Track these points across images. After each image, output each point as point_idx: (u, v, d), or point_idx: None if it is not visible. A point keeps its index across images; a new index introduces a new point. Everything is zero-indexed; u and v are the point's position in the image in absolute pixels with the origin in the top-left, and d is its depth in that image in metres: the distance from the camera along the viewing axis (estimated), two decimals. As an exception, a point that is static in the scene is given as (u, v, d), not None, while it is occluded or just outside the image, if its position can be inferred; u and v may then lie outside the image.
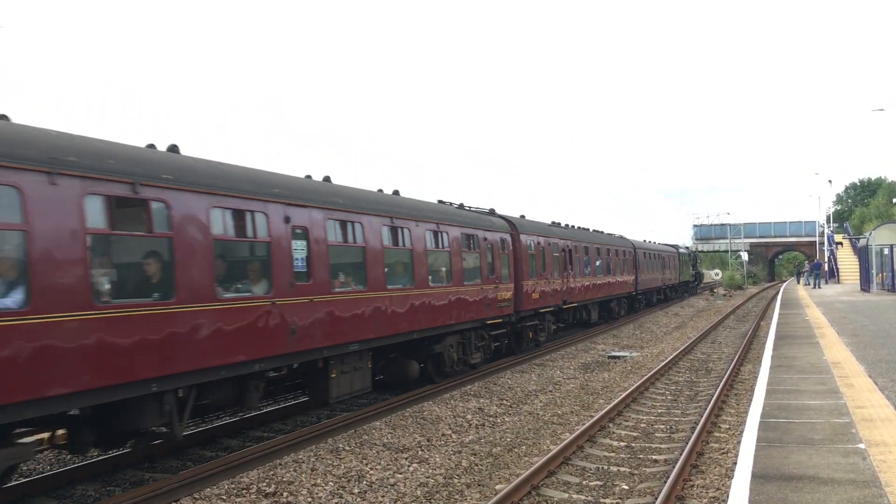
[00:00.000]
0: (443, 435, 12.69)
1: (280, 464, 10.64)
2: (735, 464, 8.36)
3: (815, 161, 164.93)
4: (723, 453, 10.82)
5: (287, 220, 11.37)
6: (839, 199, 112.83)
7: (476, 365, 18.75)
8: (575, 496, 9.30)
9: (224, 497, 9.23)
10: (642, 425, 13.23)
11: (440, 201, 19.32)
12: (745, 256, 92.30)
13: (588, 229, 32.72)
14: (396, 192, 16.08)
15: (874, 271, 44.46)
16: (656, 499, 8.58)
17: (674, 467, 9.79)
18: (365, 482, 9.96)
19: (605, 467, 10.55)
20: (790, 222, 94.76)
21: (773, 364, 14.76)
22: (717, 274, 64.30)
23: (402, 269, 15.07)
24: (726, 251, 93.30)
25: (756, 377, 14.31)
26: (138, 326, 8.66)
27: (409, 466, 10.75)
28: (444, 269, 16.91)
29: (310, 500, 9.24)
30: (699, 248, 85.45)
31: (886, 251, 42.46)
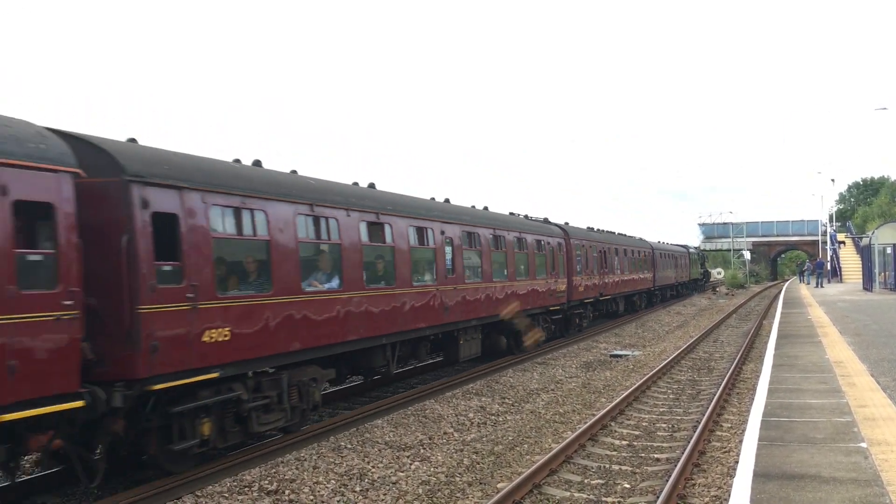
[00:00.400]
0: (445, 433, 12.69)
1: (282, 462, 10.65)
2: (737, 462, 8.36)
3: (818, 160, 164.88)
4: (725, 452, 10.82)
5: (442, 233, 16.83)
6: (842, 198, 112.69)
7: (541, 342, 22.98)
8: (577, 495, 9.30)
9: (226, 495, 9.24)
10: (644, 424, 13.23)
11: (511, 213, 24.12)
12: (747, 255, 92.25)
13: (614, 233, 37.48)
14: (475, 206, 21.23)
15: (877, 270, 44.40)
16: (658, 497, 8.58)
17: (675, 466, 9.79)
18: (367, 480, 9.97)
19: (607, 466, 10.56)
20: (793, 221, 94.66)
21: (776, 363, 14.76)
22: (719, 273, 64.25)
23: (500, 267, 20.42)
24: (728, 250, 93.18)
25: (758, 376, 14.31)
26: (380, 301, 13.86)
27: (410, 465, 10.76)
28: (523, 266, 22.18)
29: (312, 498, 9.25)
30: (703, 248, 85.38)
31: (889, 250, 42.41)
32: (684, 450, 10.68)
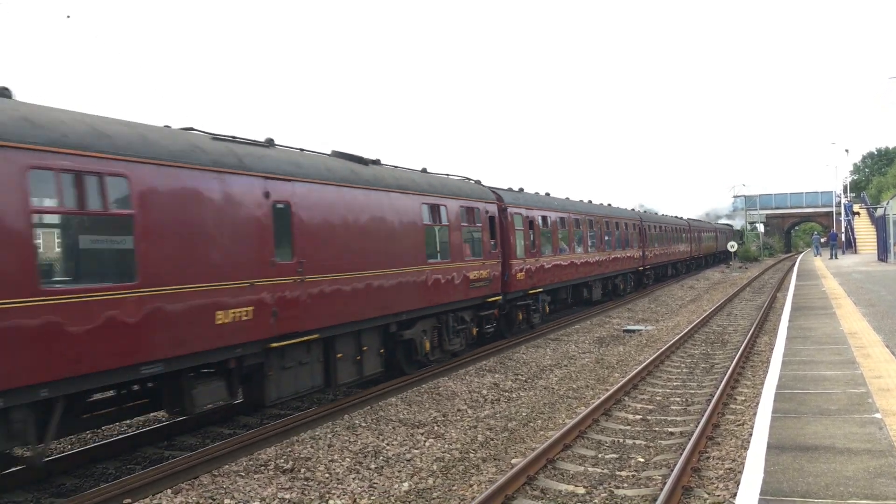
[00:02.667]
0: (458, 410, 12.74)
1: (297, 440, 10.73)
2: (751, 435, 8.36)
3: (832, 130, 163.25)
4: (739, 425, 10.81)
5: (544, 219, 22.96)
6: (856, 169, 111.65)
7: (622, 294, 32.97)
8: (591, 469, 9.33)
9: (242, 474, 9.32)
10: (658, 398, 13.24)
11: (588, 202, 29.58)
12: (760, 228, 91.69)
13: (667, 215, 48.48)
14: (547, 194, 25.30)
15: (892, 241, 44.03)
16: (672, 471, 8.59)
17: (689, 439, 9.79)
18: (381, 457, 10.04)
19: (621, 440, 10.58)
20: (806, 193, 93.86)
21: (790, 335, 14.71)
22: (732, 246, 64.10)
23: (578, 242, 26.41)
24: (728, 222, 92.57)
25: (772, 349, 14.27)
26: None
27: (425, 442, 10.82)
28: (606, 237, 29.82)
29: (327, 475, 9.32)
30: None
31: (904, 220, 42.02)
32: (698, 423, 10.68)
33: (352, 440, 10.81)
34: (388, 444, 10.64)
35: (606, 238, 30.27)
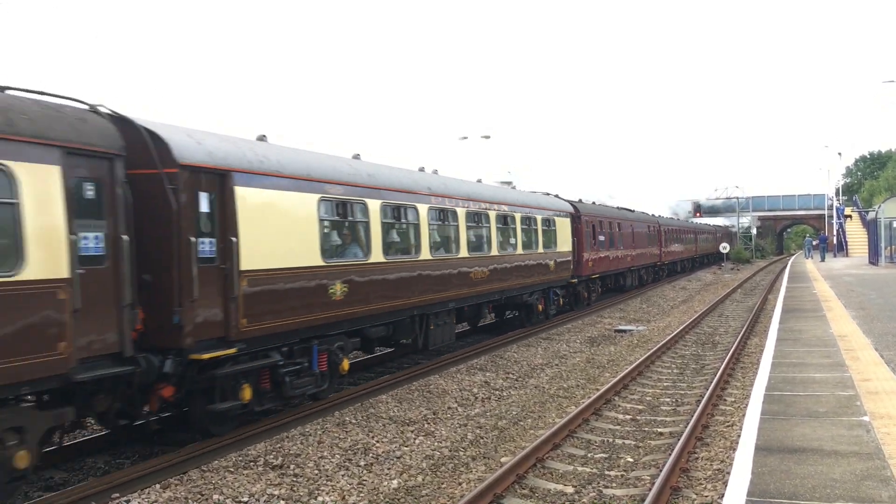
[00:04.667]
0: (449, 408, 12.76)
1: (287, 437, 10.73)
2: (739, 436, 8.40)
3: (825, 134, 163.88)
4: (728, 426, 10.86)
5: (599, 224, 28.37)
6: (849, 172, 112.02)
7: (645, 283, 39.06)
8: (580, 469, 9.36)
9: (231, 469, 9.32)
10: (648, 399, 13.28)
11: (620, 208, 35.28)
12: (753, 230, 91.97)
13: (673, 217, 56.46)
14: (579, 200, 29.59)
15: (883, 244, 44.26)
16: (661, 471, 8.62)
17: (679, 440, 9.83)
18: (371, 455, 10.05)
19: (611, 440, 10.61)
20: (799, 195, 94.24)
21: (780, 337, 14.77)
22: (724, 248, 64.43)
23: (620, 241, 32.48)
24: (734, 225, 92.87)
25: (762, 350, 14.33)
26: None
27: (415, 439, 10.83)
28: (637, 238, 35.56)
29: (316, 472, 9.32)
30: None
31: (896, 224, 42.25)
32: (687, 424, 10.72)
33: (342, 437, 10.81)
34: (377, 442, 10.65)
35: (637, 238, 36.88)
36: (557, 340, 20.56)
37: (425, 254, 15.29)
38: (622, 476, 9.05)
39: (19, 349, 7.43)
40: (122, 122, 9.22)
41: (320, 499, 8.45)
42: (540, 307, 22.92)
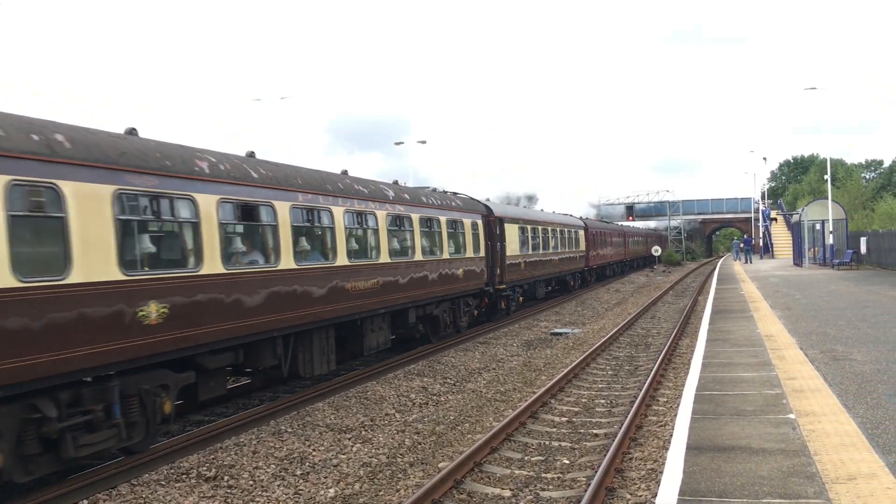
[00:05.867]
0: (386, 415, 12.69)
1: (221, 447, 10.51)
2: (672, 436, 8.55)
3: (751, 138, 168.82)
4: (661, 426, 11.06)
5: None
6: (774, 177, 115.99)
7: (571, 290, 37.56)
8: (517, 472, 9.40)
9: (163, 483, 9.08)
10: (583, 400, 13.44)
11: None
12: (683, 233, 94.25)
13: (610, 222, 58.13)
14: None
15: (806, 246, 45.90)
16: (596, 472, 8.73)
17: (613, 441, 9.96)
18: (308, 463, 9.92)
19: (547, 443, 10.69)
20: (727, 199, 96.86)
21: (710, 338, 15.14)
22: (656, 250, 65.82)
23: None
24: (665, 228, 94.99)
25: (693, 351, 14.65)
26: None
27: (352, 447, 10.73)
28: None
29: (251, 483, 9.16)
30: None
31: (818, 226, 43.87)
32: (622, 425, 10.88)
33: (277, 446, 10.65)
34: (314, 450, 10.52)
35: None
36: (494, 344, 20.67)
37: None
38: (558, 478, 9.13)
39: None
40: (473, 200, 17.89)
41: (255, 510, 8.29)
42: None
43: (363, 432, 11.51)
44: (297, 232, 12.87)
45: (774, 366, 11.64)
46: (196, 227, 10.47)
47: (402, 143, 78.55)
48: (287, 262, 12.49)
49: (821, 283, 28.87)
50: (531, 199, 53.96)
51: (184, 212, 10.32)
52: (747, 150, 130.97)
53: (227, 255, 11.06)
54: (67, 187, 8.45)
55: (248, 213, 11.78)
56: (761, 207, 72.63)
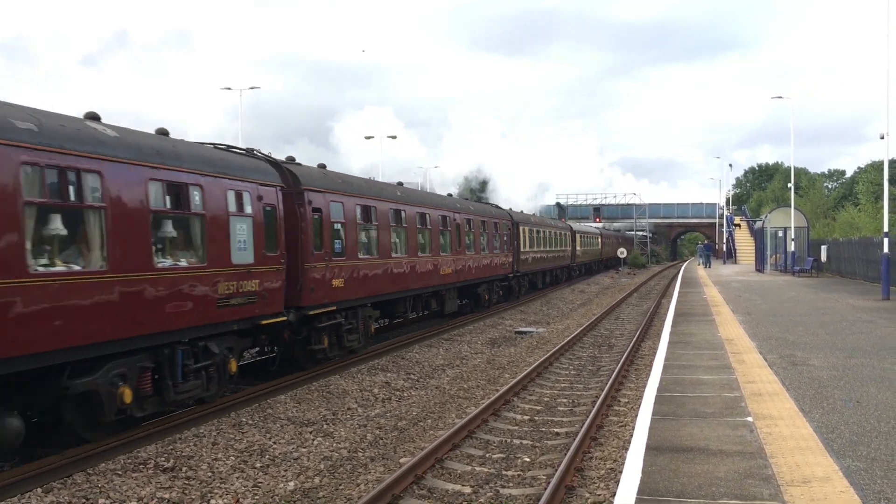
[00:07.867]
0: (349, 409, 12.65)
1: (180, 438, 10.39)
2: (632, 436, 8.63)
3: (717, 145, 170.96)
4: (621, 426, 11.15)
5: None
6: (738, 183, 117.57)
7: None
8: (478, 469, 9.42)
9: (119, 472, 8.95)
10: (546, 399, 13.51)
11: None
12: (648, 236, 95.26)
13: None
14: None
15: (769, 252, 46.66)
16: (556, 470, 8.77)
17: (574, 440, 10.03)
18: (268, 456, 9.84)
19: (508, 440, 10.73)
20: (692, 204, 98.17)
21: (672, 340, 15.32)
22: (622, 253, 66.45)
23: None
24: (631, 230, 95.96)
25: (655, 353, 14.80)
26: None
27: (313, 440, 10.67)
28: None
29: (210, 474, 9.06)
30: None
31: (780, 233, 44.63)
32: (583, 424, 10.95)
33: (237, 438, 10.56)
34: (274, 443, 10.44)
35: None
36: (459, 341, 20.70)
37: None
38: (519, 476, 9.17)
39: None
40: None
41: (213, 502, 8.21)
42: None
43: (325, 426, 11.46)
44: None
45: (734, 369, 11.81)
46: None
47: (372, 137, 77.62)
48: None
49: (781, 290, 29.36)
50: (484, 184, 47.74)
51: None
52: (713, 157, 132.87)
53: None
54: None
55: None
56: (726, 213, 73.66)
